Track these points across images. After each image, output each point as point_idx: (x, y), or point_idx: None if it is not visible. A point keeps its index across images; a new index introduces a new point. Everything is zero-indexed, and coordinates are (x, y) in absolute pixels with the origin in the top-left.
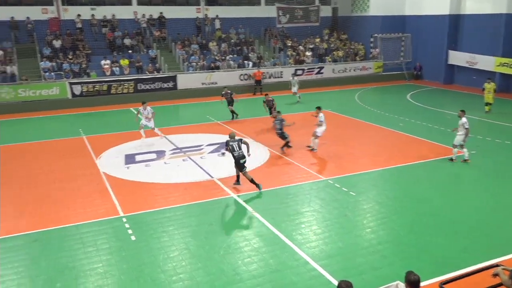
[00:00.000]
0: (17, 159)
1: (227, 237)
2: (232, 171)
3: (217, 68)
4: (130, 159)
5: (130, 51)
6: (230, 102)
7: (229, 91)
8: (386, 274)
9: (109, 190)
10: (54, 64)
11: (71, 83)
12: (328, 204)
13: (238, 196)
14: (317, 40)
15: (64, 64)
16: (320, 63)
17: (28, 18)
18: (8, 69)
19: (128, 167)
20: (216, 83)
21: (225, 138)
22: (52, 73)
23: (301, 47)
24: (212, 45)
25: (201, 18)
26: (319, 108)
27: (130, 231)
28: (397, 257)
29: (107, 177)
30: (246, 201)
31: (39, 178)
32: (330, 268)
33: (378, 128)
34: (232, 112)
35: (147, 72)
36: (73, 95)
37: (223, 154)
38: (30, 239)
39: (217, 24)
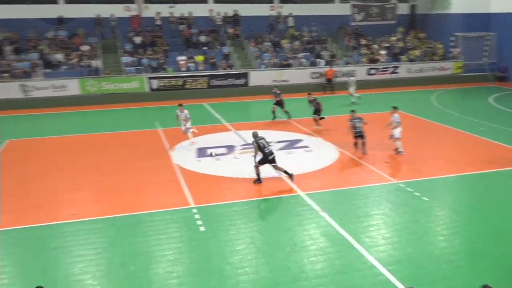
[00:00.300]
0: (99, 148)
1: (293, 234)
2: (300, 169)
3: (289, 66)
4: (201, 152)
5: (205, 48)
6: (279, 102)
7: (278, 91)
8: (460, 285)
9: (181, 181)
10: (134, 59)
11: (149, 78)
12: (398, 208)
13: (306, 194)
14: (393, 38)
15: (143, 60)
16: (395, 63)
17: (112, 15)
18: (93, 63)
19: (199, 160)
20: (287, 80)
21: (295, 136)
22: (132, 68)
23: (375, 46)
24: (285, 42)
25: (274, 16)
26: (395, 108)
27: (199, 222)
28: (472, 269)
29: (179, 168)
30: (313, 200)
31: (116, 166)
32: (399, 274)
33: (456, 132)
34: (286, 112)
35: (220, 69)
36: (151, 89)
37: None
38: (108, 224)
39: (290, 22)
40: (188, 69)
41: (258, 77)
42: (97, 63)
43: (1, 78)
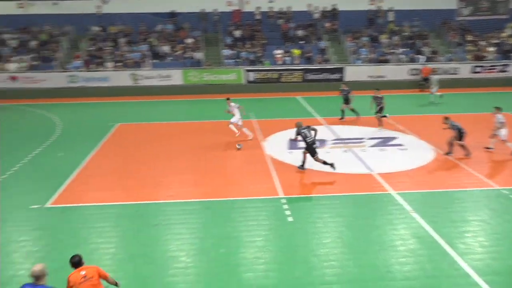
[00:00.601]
0: (196, 135)
1: (382, 233)
2: (392, 167)
3: (386, 61)
4: (293, 144)
5: (301, 42)
6: (346, 100)
7: (346, 88)
8: None
9: (271, 171)
10: (233, 52)
11: (246, 70)
12: (499, 216)
13: (398, 193)
14: (504, 34)
15: (242, 52)
16: (505, 60)
17: (215, 10)
18: (196, 55)
19: (290, 152)
20: (384, 76)
21: (389, 133)
22: (231, 60)
23: (482, 42)
24: (383, 37)
25: (373, 10)
26: (497, 108)
27: (288, 212)
28: None
29: (271, 159)
30: (405, 200)
31: (211, 153)
32: (497, 286)
33: None
34: (352, 110)
35: (315, 63)
36: (248, 81)
37: (294, 140)
38: (204, 206)
39: (390, 17)
40: (284, 63)
41: (354, 72)
42: (199, 55)
43: (115, 67)
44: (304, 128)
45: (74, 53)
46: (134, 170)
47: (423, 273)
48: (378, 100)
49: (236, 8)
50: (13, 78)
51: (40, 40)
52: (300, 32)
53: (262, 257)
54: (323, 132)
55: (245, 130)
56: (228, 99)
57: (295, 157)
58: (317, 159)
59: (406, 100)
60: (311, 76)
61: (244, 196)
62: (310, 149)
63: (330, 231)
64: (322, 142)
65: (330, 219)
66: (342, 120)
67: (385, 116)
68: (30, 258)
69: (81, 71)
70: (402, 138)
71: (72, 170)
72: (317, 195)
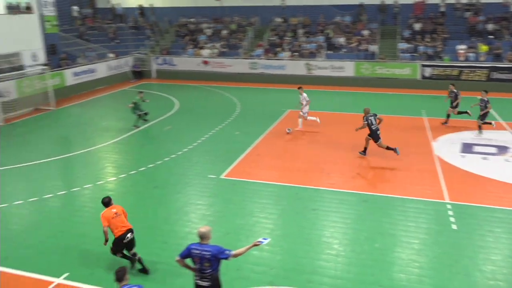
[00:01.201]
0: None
1: None
2: None
3: None
4: (467, 148)
5: (490, 37)
6: (453, 104)
7: (454, 90)
8: None
9: (439, 173)
10: (411, 45)
11: (423, 65)
12: None
13: None
14: None
15: (419, 47)
16: None
17: (396, 2)
18: (370, 47)
19: (463, 156)
20: None
21: None
22: (407, 54)
23: None
24: None
25: None
26: None
27: (452, 219)
28: None
29: (439, 160)
30: None
31: (374, 147)
32: None
33: None
34: (460, 112)
35: (505, 61)
36: (423, 76)
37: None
38: (361, 199)
39: None
40: (467, 59)
41: None
42: (374, 47)
43: (292, 57)
44: (371, 116)
45: (257, 42)
46: (299, 154)
47: None
48: (483, 104)
49: (419, 0)
50: (205, 63)
51: (230, 30)
52: (490, 26)
53: (418, 260)
54: (505, 137)
55: (300, 120)
56: (300, 87)
57: (468, 161)
58: (380, 145)
59: None
60: (498, 75)
61: (405, 195)
62: (374, 135)
63: (502, 248)
64: (503, 149)
65: (504, 235)
66: (445, 125)
67: (489, 123)
68: (203, 220)
69: (261, 59)
70: None
71: (245, 148)
72: (491, 206)
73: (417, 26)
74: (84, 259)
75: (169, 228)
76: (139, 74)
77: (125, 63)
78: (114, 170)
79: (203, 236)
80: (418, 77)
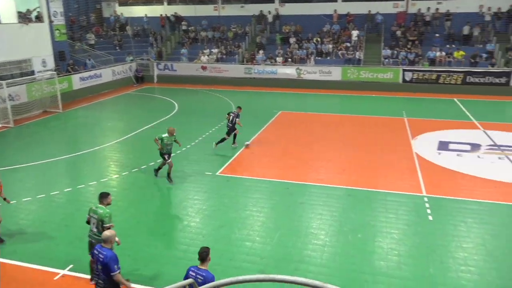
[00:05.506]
0: (348, 127)
1: None
2: None
3: None
4: (443, 145)
5: (466, 45)
6: None
7: None
8: None
9: (417, 169)
10: (394, 51)
11: (404, 70)
12: None
13: None
14: None
15: (401, 53)
16: None
17: (379, 12)
18: (357, 54)
19: (439, 153)
20: None
21: None
22: (390, 60)
23: None
24: None
25: None
26: None
27: (428, 211)
28: None
29: (418, 157)
30: None
31: (359, 145)
32: None
33: None
34: None
35: (480, 66)
36: (404, 80)
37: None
38: (346, 193)
39: None
40: (445, 64)
41: None
42: (360, 54)
43: (286, 63)
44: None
45: (253, 48)
46: (290, 152)
47: None
48: None
49: (402, 9)
50: (203, 68)
51: (227, 37)
52: (466, 34)
53: (397, 249)
54: (477, 136)
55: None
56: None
57: (444, 158)
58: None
59: None
60: (472, 79)
61: (386, 189)
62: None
63: (473, 237)
64: (476, 146)
65: (475, 225)
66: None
67: None
68: (199, 214)
69: (255, 64)
70: None
71: (240, 147)
72: (462, 198)
73: (399, 34)
74: (87, 251)
75: (168, 221)
76: (141, 79)
77: (129, 68)
78: (117, 168)
79: (105, 240)
80: (400, 81)
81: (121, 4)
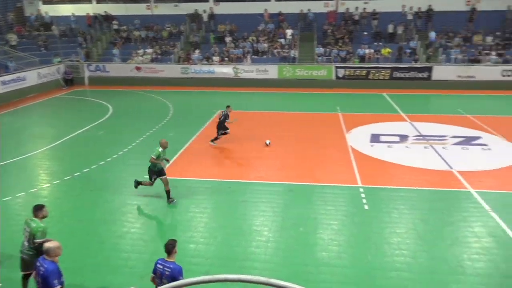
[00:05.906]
0: (286, 124)
1: (456, 229)
2: (473, 166)
3: (478, 62)
4: (375, 138)
5: (391, 43)
6: None
7: None
8: None
9: (352, 161)
10: (326, 49)
11: (336, 67)
12: None
13: (477, 191)
14: None
15: (333, 50)
16: None
17: (311, 10)
18: (292, 52)
19: (372, 145)
20: (473, 77)
21: (473, 132)
22: (324, 58)
23: None
24: (477, 39)
25: (468, 11)
26: None
27: (364, 201)
28: None
29: (352, 150)
30: (484, 199)
31: (298, 141)
32: None
33: None
34: None
35: (404, 62)
36: (337, 77)
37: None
38: (287, 188)
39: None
40: (373, 61)
41: (442, 72)
42: (294, 52)
43: (222, 62)
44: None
45: (188, 48)
46: (230, 151)
47: (497, 271)
48: None
49: (332, 9)
50: (138, 69)
51: (162, 37)
52: (391, 32)
53: (336, 239)
54: (405, 127)
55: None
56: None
57: (376, 150)
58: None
59: (497, 101)
60: (398, 74)
61: (324, 182)
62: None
63: (404, 222)
64: (404, 137)
65: (406, 211)
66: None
67: None
68: (140, 219)
69: (192, 64)
70: (486, 138)
71: (179, 148)
72: (394, 187)
73: (331, 32)
74: (19, 268)
75: (106, 228)
76: (70, 81)
77: (56, 70)
78: (47, 176)
79: (46, 252)
80: (333, 77)
81: (45, 3)
